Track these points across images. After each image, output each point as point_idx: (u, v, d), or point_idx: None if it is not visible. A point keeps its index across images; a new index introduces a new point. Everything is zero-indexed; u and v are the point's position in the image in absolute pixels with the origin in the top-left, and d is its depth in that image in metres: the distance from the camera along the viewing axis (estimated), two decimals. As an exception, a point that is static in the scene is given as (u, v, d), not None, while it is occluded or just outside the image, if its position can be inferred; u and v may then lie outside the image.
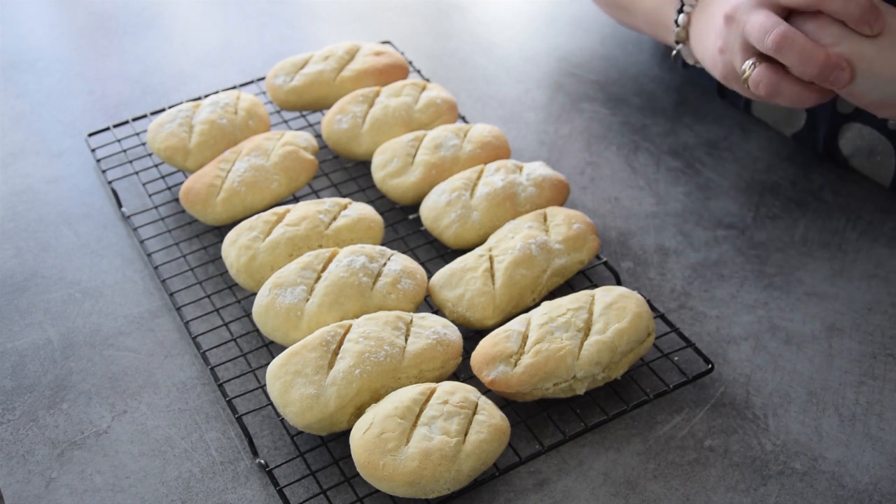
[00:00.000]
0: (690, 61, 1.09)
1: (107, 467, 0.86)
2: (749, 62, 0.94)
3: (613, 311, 0.89)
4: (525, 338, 0.88)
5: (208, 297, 1.00)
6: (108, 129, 1.22)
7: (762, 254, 1.05)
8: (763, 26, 0.91)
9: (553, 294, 0.99)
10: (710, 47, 1.00)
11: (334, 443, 0.87)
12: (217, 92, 1.22)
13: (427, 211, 1.04)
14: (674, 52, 1.10)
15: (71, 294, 1.02)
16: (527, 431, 0.88)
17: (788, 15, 0.93)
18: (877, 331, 0.96)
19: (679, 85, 1.30)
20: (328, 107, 1.20)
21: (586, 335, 0.88)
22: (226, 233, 1.05)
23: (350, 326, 0.87)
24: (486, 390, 0.89)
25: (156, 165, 1.17)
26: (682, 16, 1.05)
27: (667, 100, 1.27)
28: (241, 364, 0.94)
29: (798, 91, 0.93)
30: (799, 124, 1.16)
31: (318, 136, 1.21)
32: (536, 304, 0.95)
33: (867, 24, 0.89)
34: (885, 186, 1.11)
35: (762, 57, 0.94)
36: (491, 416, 0.82)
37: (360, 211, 1.02)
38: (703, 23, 1.02)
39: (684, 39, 1.06)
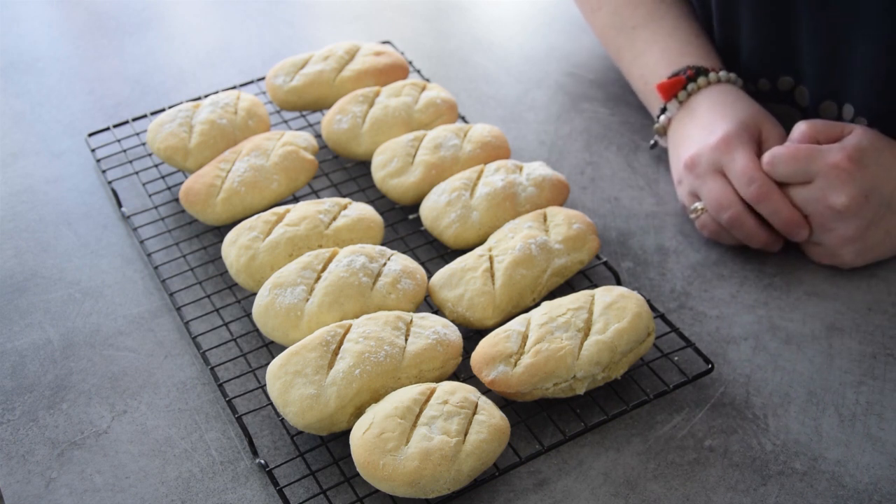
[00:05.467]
0: (665, 145, 1.14)
1: (107, 467, 0.86)
2: (698, 205, 1.03)
3: (613, 311, 0.89)
4: (525, 338, 0.88)
5: (208, 297, 1.00)
6: (108, 129, 1.22)
7: (762, 254, 1.05)
8: (719, 202, 1.00)
9: (553, 294, 0.99)
10: (676, 164, 1.07)
11: (334, 443, 0.87)
12: (217, 92, 1.22)
13: (427, 211, 1.04)
14: (652, 140, 1.16)
15: (71, 294, 1.02)
16: (527, 431, 0.88)
17: None
18: (877, 331, 0.96)
19: (679, 85, 1.30)
20: (328, 107, 1.20)
21: (586, 335, 0.88)
22: (226, 233, 1.05)
23: (350, 326, 0.87)
24: (486, 390, 0.89)
25: (156, 165, 1.17)
26: (663, 117, 1.10)
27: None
28: (241, 364, 0.94)
29: (739, 241, 1.03)
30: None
31: (318, 136, 1.21)
32: (536, 304, 0.95)
33: (792, 235, 1.00)
34: None
35: None
36: (491, 416, 0.82)
37: (360, 211, 1.02)
38: (678, 138, 1.08)
39: (662, 134, 1.12)
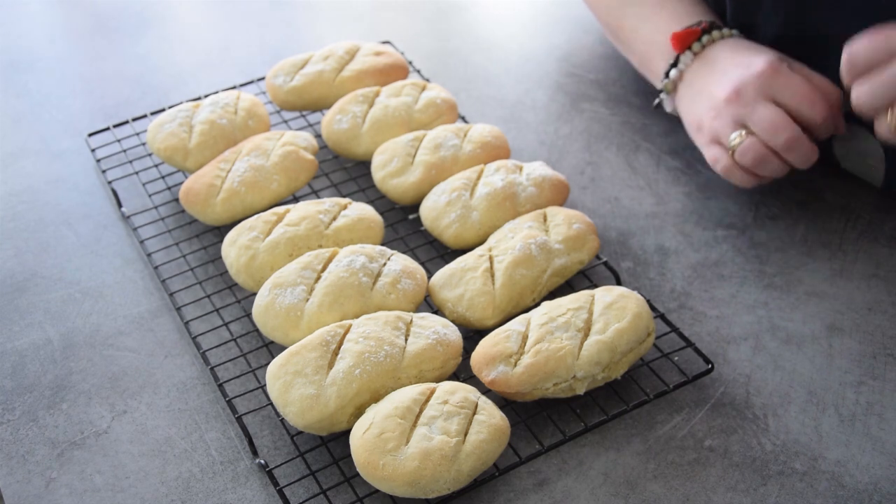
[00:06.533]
0: (669, 109, 1.13)
1: (107, 467, 0.86)
2: (737, 133, 1.00)
3: (613, 311, 0.89)
4: (525, 338, 0.88)
5: (208, 297, 1.00)
6: (108, 129, 1.22)
7: (762, 254, 1.05)
8: (774, 124, 0.98)
9: (553, 294, 0.99)
10: (697, 112, 1.05)
11: (334, 443, 0.87)
12: (217, 92, 1.22)
13: (427, 211, 1.04)
14: (656, 100, 1.14)
15: (71, 294, 1.02)
16: (527, 431, 0.88)
17: None
18: (877, 331, 0.96)
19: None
20: (328, 107, 1.20)
21: (586, 335, 0.88)
22: (226, 233, 1.05)
23: (350, 326, 0.87)
24: (486, 390, 0.89)
25: (156, 165, 1.17)
26: (674, 70, 1.08)
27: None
28: (241, 364, 0.94)
29: (780, 167, 1.01)
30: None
31: (318, 136, 1.21)
32: (536, 304, 0.95)
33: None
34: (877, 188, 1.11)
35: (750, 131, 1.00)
36: (491, 416, 0.82)
37: (360, 211, 1.02)
38: (698, 86, 1.06)
39: (670, 91, 1.10)
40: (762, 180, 1.04)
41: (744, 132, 1.00)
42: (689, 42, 1.07)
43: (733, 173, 1.03)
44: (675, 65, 1.08)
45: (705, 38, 1.06)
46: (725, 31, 1.06)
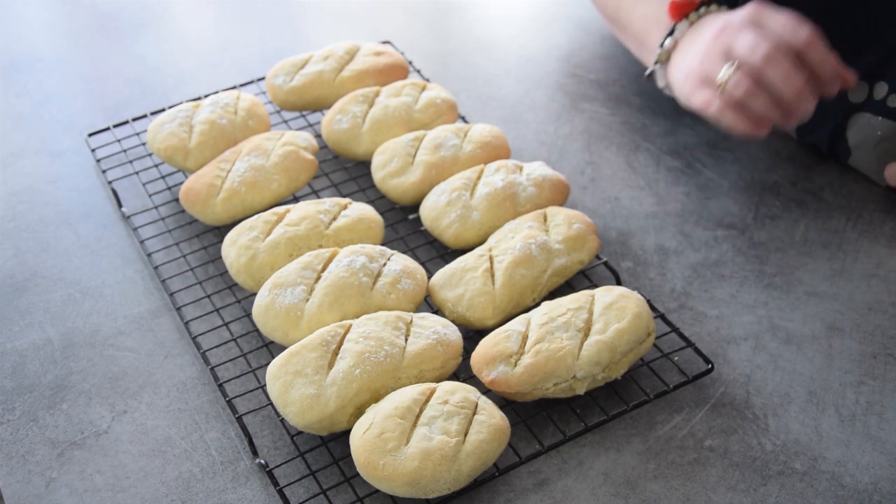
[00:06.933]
0: (661, 83, 1.12)
1: (107, 467, 0.86)
2: (727, 66, 0.97)
3: (613, 311, 0.89)
4: (525, 338, 0.88)
5: (208, 297, 1.00)
6: (108, 129, 1.22)
7: (762, 254, 1.05)
8: (755, 43, 0.95)
9: (553, 294, 0.99)
10: (688, 64, 1.03)
11: (334, 443, 0.87)
12: (217, 92, 1.22)
13: (427, 211, 1.04)
14: (647, 70, 1.12)
15: (71, 294, 1.02)
16: (527, 431, 0.88)
17: None
18: (877, 331, 0.96)
19: (679, 85, 1.29)
20: (328, 107, 1.20)
21: (586, 335, 0.88)
22: (226, 233, 1.05)
23: (350, 326, 0.87)
24: (486, 390, 0.89)
25: (156, 165, 1.17)
26: (669, 39, 1.08)
27: (667, 100, 1.27)
28: (241, 364, 0.94)
29: (766, 107, 0.97)
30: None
31: (318, 136, 1.21)
32: (536, 304, 0.95)
33: (839, 84, 0.98)
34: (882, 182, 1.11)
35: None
36: (491, 416, 0.82)
37: (360, 211, 1.02)
38: (688, 45, 1.05)
39: (664, 61, 1.09)
40: (758, 128, 0.99)
41: (734, 65, 0.97)
42: (686, 11, 1.06)
43: (725, 113, 0.99)
44: (671, 33, 1.07)
45: (702, 10, 1.06)
46: (724, 8, 1.06)
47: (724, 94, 0.98)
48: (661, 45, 1.08)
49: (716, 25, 1.01)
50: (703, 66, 1.01)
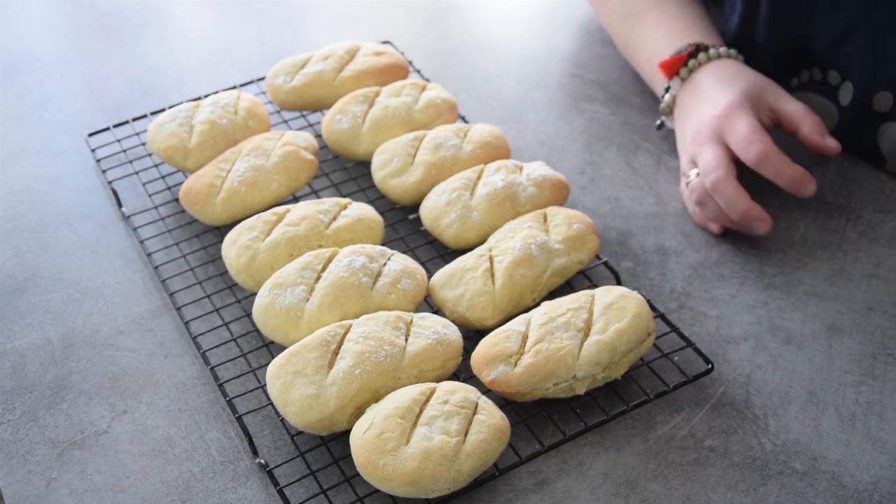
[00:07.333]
0: (672, 127, 1.17)
1: (107, 467, 0.86)
2: (694, 171, 1.05)
3: (613, 311, 0.89)
4: (525, 338, 0.88)
5: (208, 297, 1.00)
6: (108, 129, 1.22)
7: (762, 254, 1.05)
8: (709, 164, 1.01)
9: (553, 294, 0.99)
10: (684, 139, 1.09)
11: (334, 443, 0.87)
12: (217, 92, 1.22)
13: (427, 211, 1.04)
14: (658, 121, 1.18)
15: (71, 294, 1.02)
16: (527, 431, 0.88)
17: None
18: (877, 331, 0.96)
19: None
20: (328, 107, 1.20)
21: (586, 335, 0.88)
22: (226, 233, 1.05)
23: (350, 326, 0.87)
24: (486, 390, 0.89)
25: (156, 165, 1.17)
26: (667, 96, 1.13)
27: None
28: (241, 364, 0.94)
29: (717, 216, 1.04)
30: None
31: (318, 136, 1.21)
32: (536, 304, 0.95)
33: (800, 191, 1.01)
34: None
35: None
36: (491, 416, 0.82)
37: (360, 211, 1.02)
38: (686, 111, 1.10)
39: (668, 114, 1.15)
40: (714, 226, 1.06)
41: (697, 171, 1.04)
42: (676, 68, 1.11)
43: (689, 206, 1.08)
44: (668, 90, 1.13)
45: (692, 63, 1.10)
46: (712, 52, 1.10)
47: (687, 191, 1.07)
48: (662, 98, 1.14)
49: (696, 121, 1.06)
50: (681, 160, 1.09)
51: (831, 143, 1.04)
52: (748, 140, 1.00)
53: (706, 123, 1.04)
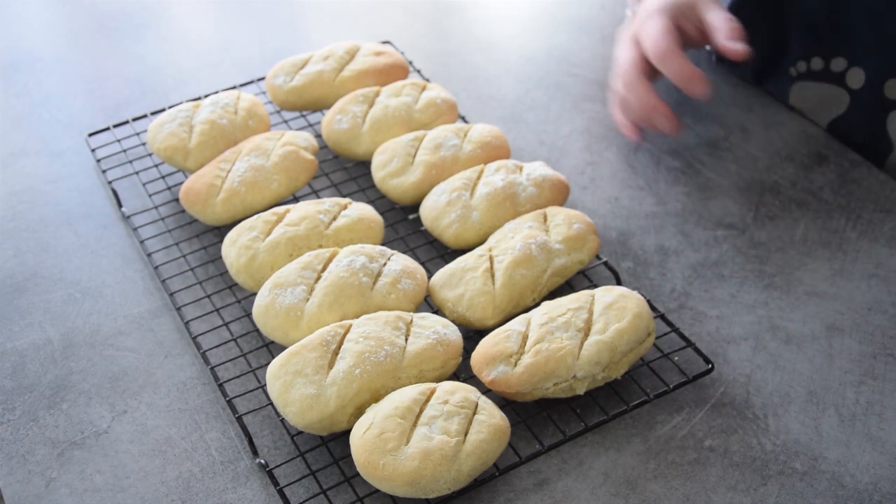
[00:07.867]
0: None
1: (107, 467, 0.86)
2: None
3: (613, 311, 0.89)
4: (525, 338, 0.88)
5: (208, 297, 1.00)
6: (108, 129, 1.22)
7: (762, 254, 1.05)
8: (623, 63, 1.09)
9: (553, 294, 0.99)
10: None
11: (334, 443, 0.87)
12: (217, 92, 1.22)
13: (427, 211, 1.04)
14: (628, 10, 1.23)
15: (71, 294, 1.02)
16: (527, 431, 0.88)
17: None
18: (877, 331, 0.96)
19: (679, 85, 1.30)
20: (328, 107, 1.20)
21: (586, 335, 0.88)
22: (226, 233, 1.05)
23: (350, 326, 0.87)
24: (486, 390, 0.89)
25: (156, 165, 1.17)
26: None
27: (667, 100, 1.27)
28: (241, 364, 0.94)
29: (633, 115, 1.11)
30: (839, 111, 1.16)
31: (318, 136, 1.21)
32: (536, 304, 0.95)
33: (690, 89, 1.05)
34: None
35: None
36: (491, 416, 0.82)
37: (360, 211, 1.02)
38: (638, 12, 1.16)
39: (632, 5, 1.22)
40: (632, 131, 1.13)
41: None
42: None
43: (614, 111, 1.14)
44: None
45: None
46: None
47: (612, 92, 1.13)
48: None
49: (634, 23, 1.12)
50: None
51: (738, 47, 1.04)
52: (654, 39, 1.05)
53: (630, 26, 1.11)
